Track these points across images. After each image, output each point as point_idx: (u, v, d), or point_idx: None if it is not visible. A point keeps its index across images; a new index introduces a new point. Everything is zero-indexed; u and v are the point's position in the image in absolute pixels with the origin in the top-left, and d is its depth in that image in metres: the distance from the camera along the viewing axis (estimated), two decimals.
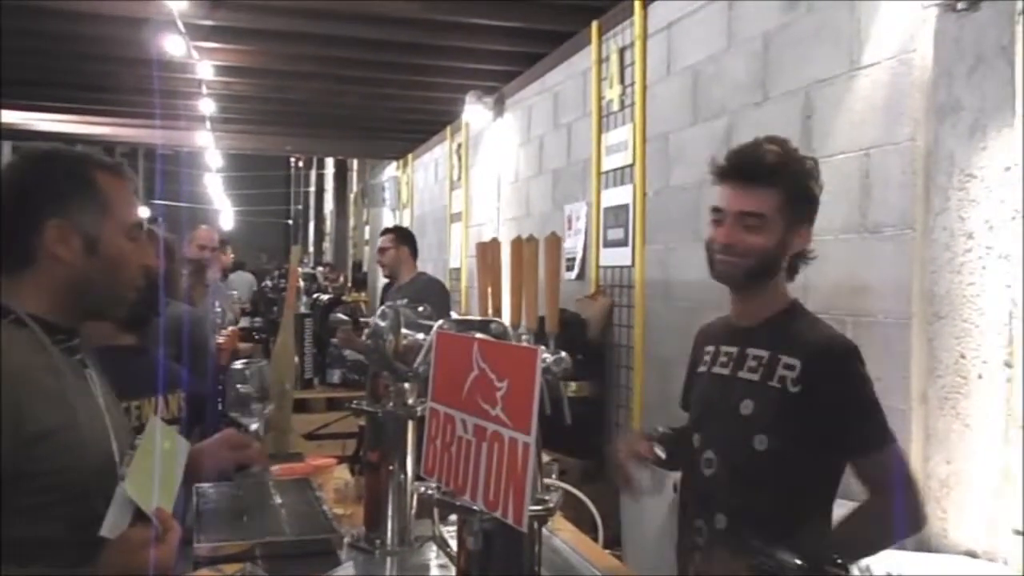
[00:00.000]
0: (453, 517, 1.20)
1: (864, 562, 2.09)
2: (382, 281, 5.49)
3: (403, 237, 4.56)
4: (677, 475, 1.84)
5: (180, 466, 1.31)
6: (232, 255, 7.56)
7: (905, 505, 1.47)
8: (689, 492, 1.64)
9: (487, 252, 1.52)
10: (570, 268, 4.65)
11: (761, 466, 1.49)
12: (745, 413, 1.51)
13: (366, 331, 1.61)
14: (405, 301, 1.66)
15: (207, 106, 6.52)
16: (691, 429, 1.68)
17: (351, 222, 15.05)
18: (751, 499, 1.50)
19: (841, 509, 1.56)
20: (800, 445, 1.47)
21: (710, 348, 1.67)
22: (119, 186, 1.31)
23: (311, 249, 18.24)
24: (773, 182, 1.52)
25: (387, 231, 4.69)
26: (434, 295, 4.08)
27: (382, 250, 4.52)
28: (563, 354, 1.30)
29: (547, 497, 1.14)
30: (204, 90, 6.09)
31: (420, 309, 1.62)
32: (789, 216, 1.54)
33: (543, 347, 1.18)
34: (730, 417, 1.54)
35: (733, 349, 1.60)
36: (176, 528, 1.18)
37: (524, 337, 1.31)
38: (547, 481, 1.19)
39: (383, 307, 1.59)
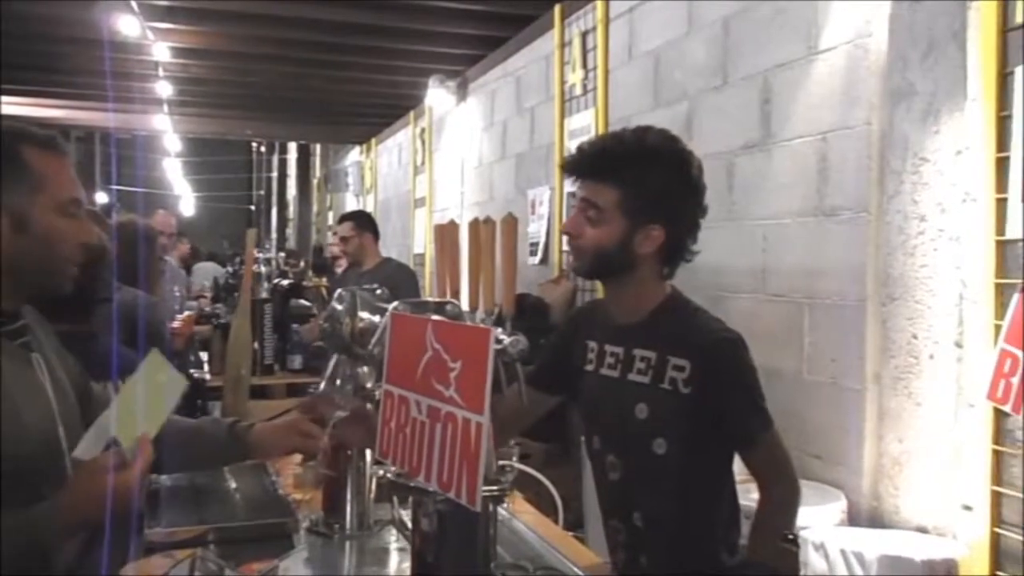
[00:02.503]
0: None
1: (819, 539, 2.13)
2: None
3: (364, 223, 4.42)
4: None
5: (172, 399, 1.30)
6: (189, 246, 7.38)
7: (795, 486, 1.51)
8: (600, 492, 1.64)
9: (445, 234, 1.51)
10: (533, 253, 4.65)
11: (663, 469, 1.48)
12: (641, 417, 1.49)
13: (323, 314, 1.59)
14: (376, 287, 1.64)
15: (164, 89, 6.38)
16: (585, 430, 1.67)
17: (314, 208, 14.89)
18: (661, 499, 1.51)
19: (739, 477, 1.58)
20: (697, 444, 1.47)
21: (592, 345, 1.62)
22: (51, 161, 1.26)
23: (274, 235, 18.00)
24: (604, 179, 1.48)
25: (345, 218, 4.52)
26: (405, 282, 4.04)
27: (345, 239, 4.36)
28: (520, 335, 1.29)
29: (502, 477, 1.14)
30: (160, 72, 5.97)
31: (379, 292, 1.60)
32: (632, 214, 1.47)
33: (499, 328, 1.17)
34: (626, 422, 1.51)
35: (619, 349, 1.56)
36: (147, 453, 1.18)
37: (481, 320, 1.31)
38: (503, 462, 1.19)
39: (340, 290, 1.57)
